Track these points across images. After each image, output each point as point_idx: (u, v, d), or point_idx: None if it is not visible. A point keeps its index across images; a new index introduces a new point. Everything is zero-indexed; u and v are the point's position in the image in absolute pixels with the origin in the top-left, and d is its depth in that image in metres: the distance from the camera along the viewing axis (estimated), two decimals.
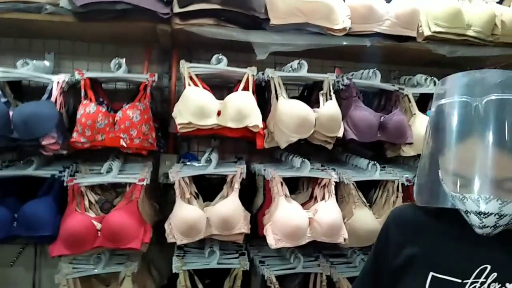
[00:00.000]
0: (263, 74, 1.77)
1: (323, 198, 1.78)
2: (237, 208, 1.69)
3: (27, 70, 1.65)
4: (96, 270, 1.76)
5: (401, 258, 0.87)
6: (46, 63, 1.87)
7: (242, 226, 1.71)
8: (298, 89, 2.09)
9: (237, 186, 1.72)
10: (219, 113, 1.65)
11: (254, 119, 1.63)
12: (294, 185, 1.97)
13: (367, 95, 1.97)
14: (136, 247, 1.59)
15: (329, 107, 1.69)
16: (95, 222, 1.62)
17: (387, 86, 1.91)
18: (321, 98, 1.74)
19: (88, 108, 1.62)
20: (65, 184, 1.66)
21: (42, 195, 1.67)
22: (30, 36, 1.92)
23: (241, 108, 1.61)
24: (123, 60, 1.76)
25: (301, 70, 1.78)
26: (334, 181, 1.78)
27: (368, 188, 1.93)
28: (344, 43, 1.76)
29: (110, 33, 1.81)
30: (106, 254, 1.80)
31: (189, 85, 1.65)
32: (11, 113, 1.52)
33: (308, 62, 1.78)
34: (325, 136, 1.71)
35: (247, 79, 1.71)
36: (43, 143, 1.55)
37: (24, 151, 1.76)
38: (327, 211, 1.71)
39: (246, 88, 1.70)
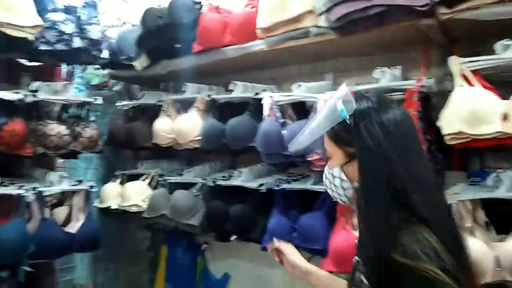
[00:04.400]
0: None
1: None
2: None
3: (299, 92, 1.77)
4: None
5: None
6: (324, 83, 1.97)
7: None
8: None
9: None
10: (505, 118, 1.23)
11: None
12: None
13: None
14: None
15: None
16: None
17: None
18: None
19: None
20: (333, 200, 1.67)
21: (316, 209, 1.75)
22: (311, 61, 2.07)
23: None
24: (387, 68, 1.61)
25: None
26: None
27: None
28: None
29: (375, 42, 1.71)
30: None
31: (461, 86, 1.32)
32: (285, 132, 1.69)
33: None
34: None
35: None
36: (310, 159, 1.62)
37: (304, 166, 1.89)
38: None
39: None
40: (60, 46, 1.75)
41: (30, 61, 2.06)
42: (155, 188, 2.22)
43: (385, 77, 1.61)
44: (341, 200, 1.07)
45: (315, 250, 1.69)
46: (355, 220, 1.66)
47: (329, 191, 1.08)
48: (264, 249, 1.81)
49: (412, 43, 1.74)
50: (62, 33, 1.73)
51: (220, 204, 1.96)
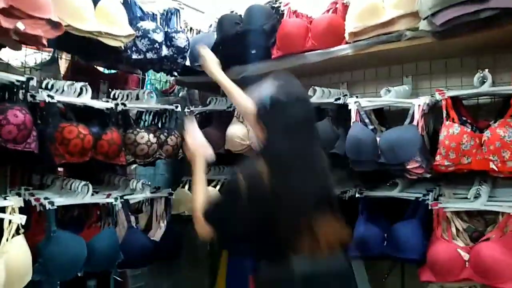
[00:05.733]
0: None
1: None
2: None
3: (388, 97, 1.73)
4: None
5: None
6: (406, 87, 1.93)
7: None
8: None
9: None
10: None
11: None
12: None
13: None
14: None
15: None
16: (462, 252, 1.50)
17: None
18: None
19: (451, 129, 1.53)
20: (429, 207, 1.63)
21: (408, 218, 1.70)
22: (389, 64, 2.03)
23: None
24: (488, 73, 1.56)
25: None
26: None
27: None
28: None
29: (470, 45, 1.65)
30: (477, 287, 1.63)
31: None
32: (378, 139, 1.65)
33: None
34: None
35: None
36: (408, 167, 1.58)
37: (389, 174, 1.84)
38: None
39: None
40: (150, 55, 1.73)
41: (109, 69, 2.06)
42: None
43: (486, 82, 1.55)
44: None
45: (409, 260, 1.65)
46: (453, 229, 1.62)
47: None
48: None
49: (505, 47, 1.69)
50: (153, 41, 1.72)
51: None
